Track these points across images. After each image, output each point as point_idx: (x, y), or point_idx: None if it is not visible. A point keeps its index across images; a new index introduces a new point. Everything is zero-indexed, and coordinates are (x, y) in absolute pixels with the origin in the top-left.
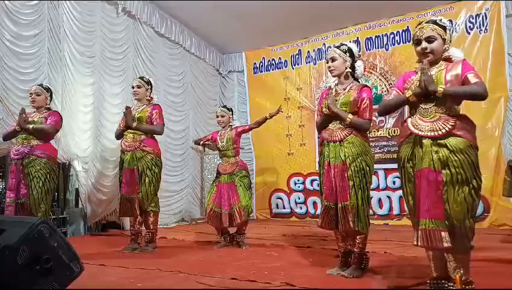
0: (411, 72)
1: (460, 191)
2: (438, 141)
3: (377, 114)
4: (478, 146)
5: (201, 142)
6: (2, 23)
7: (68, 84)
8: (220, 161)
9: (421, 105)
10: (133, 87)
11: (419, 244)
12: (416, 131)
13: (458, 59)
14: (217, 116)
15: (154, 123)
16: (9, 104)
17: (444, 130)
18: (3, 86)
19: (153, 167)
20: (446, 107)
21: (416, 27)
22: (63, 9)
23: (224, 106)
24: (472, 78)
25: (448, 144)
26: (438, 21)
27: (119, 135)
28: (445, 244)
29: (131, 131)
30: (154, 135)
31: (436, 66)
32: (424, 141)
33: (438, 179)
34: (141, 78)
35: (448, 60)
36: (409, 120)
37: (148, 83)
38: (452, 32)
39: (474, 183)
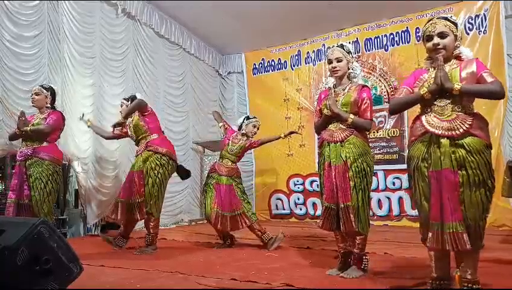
0: (422, 70)
1: (477, 193)
2: (456, 141)
3: (387, 113)
4: (492, 145)
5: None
6: (1, 24)
7: (68, 85)
8: (219, 161)
9: (436, 103)
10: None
11: (447, 248)
12: (432, 130)
13: (468, 57)
14: (255, 127)
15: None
16: (9, 104)
17: (461, 130)
18: (3, 86)
19: (157, 167)
20: (462, 106)
21: (427, 23)
22: (63, 10)
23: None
24: (488, 77)
25: (465, 144)
26: (449, 18)
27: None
28: (469, 246)
29: (142, 136)
30: (160, 134)
31: (449, 63)
32: (442, 140)
33: (456, 179)
34: (124, 98)
35: (459, 58)
36: (423, 118)
37: (127, 99)
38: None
39: (490, 183)
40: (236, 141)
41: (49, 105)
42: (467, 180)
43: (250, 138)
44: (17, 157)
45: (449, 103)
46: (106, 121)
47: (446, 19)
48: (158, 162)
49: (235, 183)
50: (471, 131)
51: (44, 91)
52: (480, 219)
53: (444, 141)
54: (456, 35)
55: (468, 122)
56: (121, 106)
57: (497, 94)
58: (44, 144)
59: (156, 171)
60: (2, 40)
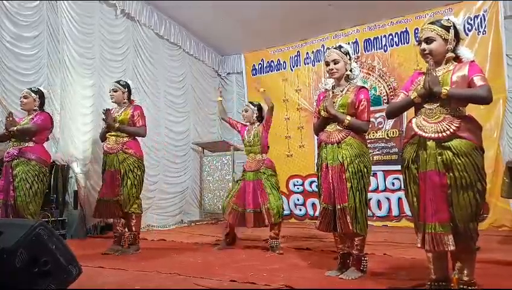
0: (419, 72)
1: (465, 196)
2: (442, 144)
3: (385, 116)
4: (484, 148)
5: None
6: (1, 25)
7: (68, 86)
8: (247, 158)
9: (425, 105)
10: (109, 91)
11: (426, 248)
12: (420, 132)
13: (468, 59)
14: (246, 111)
15: (137, 125)
16: (9, 104)
17: (448, 132)
18: (3, 87)
19: (135, 169)
20: (451, 108)
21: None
22: (62, 11)
23: (250, 102)
24: (478, 81)
25: (452, 147)
26: (442, 21)
27: (103, 137)
28: (450, 248)
29: (113, 133)
30: (137, 138)
31: (444, 66)
32: (428, 142)
33: (443, 181)
34: (117, 81)
35: (458, 60)
36: (414, 121)
37: (125, 86)
38: (456, 30)
39: (479, 186)
40: (250, 131)
41: (37, 108)
42: (454, 182)
43: (258, 122)
44: (4, 158)
45: (438, 106)
46: None
47: (437, 22)
48: (136, 165)
49: (264, 177)
50: (458, 133)
51: (33, 94)
52: (469, 221)
53: (430, 143)
54: (446, 39)
55: (455, 125)
56: (115, 91)
57: (483, 99)
58: (31, 144)
59: (134, 174)
60: (1, 41)
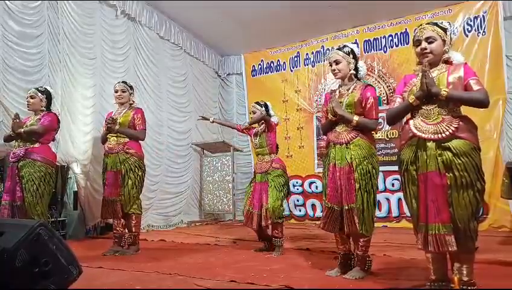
0: (411, 75)
1: (465, 195)
2: (442, 144)
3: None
4: (481, 148)
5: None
6: (3, 24)
7: (68, 86)
8: (257, 160)
9: (423, 107)
10: (116, 91)
11: (430, 249)
12: (419, 134)
13: (459, 62)
14: (254, 112)
15: (137, 128)
16: (10, 104)
17: (447, 133)
18: (4, 87)
19: (136, 169)
20: (449, 109)
21: (416, 28)
22: (63, 11)
23: (257, 102)
24: (474, 85)
25: (451, 147)
26: (438, 23)
27: (104, 140)
28: (454, 248)
29: (113, 134)
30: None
31: (437, 68)
32: (428, 144)
33: (443, 182)
34: (124, 82)
35: (449, 62)
36: (411, 122)
37: (131, 87)
38: (451, 34)
39: (479, 185)
40: (257, 133)
41: (44, 108)
42: (454, 182)
43: (260, 123)
44: (10, 159)
45: (435, 107)
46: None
47: (435, 24)
48: (137, 165)
49: (271, 178)
50: (457, 134)
51: (40, 94)
52: (469, 221)
53: (430, 144)
54: (444, 40)
55: (454, 125)
56: (123, 92)
57: (481, 103)
58: (37, 145)
59: (135, 174)
60: (4, 40)
